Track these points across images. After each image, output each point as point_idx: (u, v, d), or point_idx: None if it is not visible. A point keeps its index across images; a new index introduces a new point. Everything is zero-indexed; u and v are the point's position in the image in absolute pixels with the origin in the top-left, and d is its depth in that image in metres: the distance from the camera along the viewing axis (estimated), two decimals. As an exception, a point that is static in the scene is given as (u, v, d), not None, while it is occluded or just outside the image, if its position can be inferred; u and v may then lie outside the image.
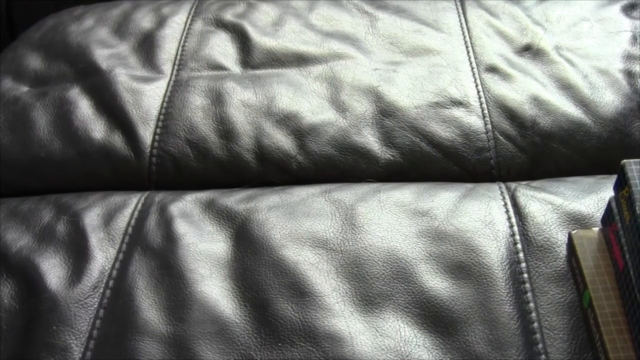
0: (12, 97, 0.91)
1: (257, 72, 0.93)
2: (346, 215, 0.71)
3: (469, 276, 0.64)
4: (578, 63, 0.90)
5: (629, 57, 0.91)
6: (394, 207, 0.72)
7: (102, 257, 0.69)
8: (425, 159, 0.82)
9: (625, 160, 0.58)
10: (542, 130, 0.83)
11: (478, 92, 0.87)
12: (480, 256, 0.66)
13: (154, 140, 0.84)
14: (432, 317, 0.62)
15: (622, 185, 0.58)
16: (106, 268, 0.68)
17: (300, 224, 0.70)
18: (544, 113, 0.84)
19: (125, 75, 0.92)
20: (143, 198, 0.77)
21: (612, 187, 0.72)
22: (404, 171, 0.82)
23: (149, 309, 0.64)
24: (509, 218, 0.70)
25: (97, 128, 0.86)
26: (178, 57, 0.96)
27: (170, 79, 0.93)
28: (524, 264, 0.66)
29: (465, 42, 0.96)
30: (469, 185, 0.76)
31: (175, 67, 0.95)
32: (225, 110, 0.86)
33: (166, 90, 0.91)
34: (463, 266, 0.65)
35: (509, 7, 1.02)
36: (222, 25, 1.01)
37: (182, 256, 0.68)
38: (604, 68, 0.89)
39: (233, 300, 0.64)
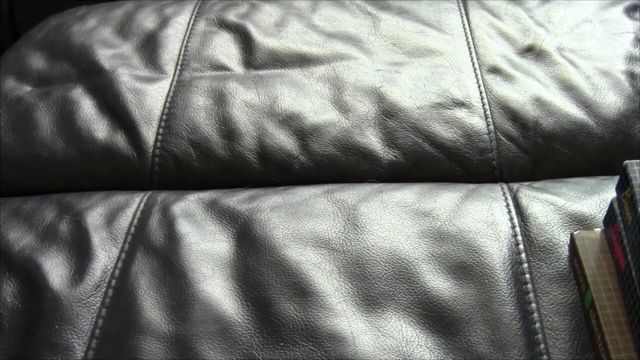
0: (15, 97, 0.91)
1: (260, 72, 0.93)
2: (348, 215, 0.71)
3: (471, 276, 0.64)
4: (580, 64, 0.90)
5: (632, 59, 0.91)
6: (397, 208, 0.72)
7: (105, 256, 0.69)
8: (427, 159, 0.82)
9: (627, 161, 0.58)
10: (544, 131, 0.83)
11: (480, 93, 0.87)
12: (483, 257, 0.66)
13: (156, 140, 0.85)
14: (434, 317, 0.62)
15: (624, 186, 0.58)
16: (109, 267, 0.68)
17: (302, 224, 0.70)
18: (546, 114, 0.84)
19: (128, 75, 0.92)
20: (145, 198, 0.77)
21: (614, 188, 0.72)
22: (406, 172, 0.82)
23: (151, 308, 0.64)
24: (511, 219, 0.70)
25: (99, 128, 0.86)
26: (181, 57, 0.97)
27: (173, 79, 0.93)
28: (526, 265, 0.66)
29: (468, 43, 0.96)
30: (471, 186, 0.76)
31: (178, 67, 0.95)
32: (227, 110, 0.87)
33: (169, 91, 0.91)
34: (465, 266, 0.65)
35: (512, 8, 1.02)
36: (224, 25, 1.02)
37: (185, 256, 0.68)
38: (606, 69, 0.89)
39: (235, 300, 0.64)
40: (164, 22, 1.03)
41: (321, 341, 0.60)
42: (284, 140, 0.83)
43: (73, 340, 0.62)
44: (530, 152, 0.82)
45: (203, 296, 0.64)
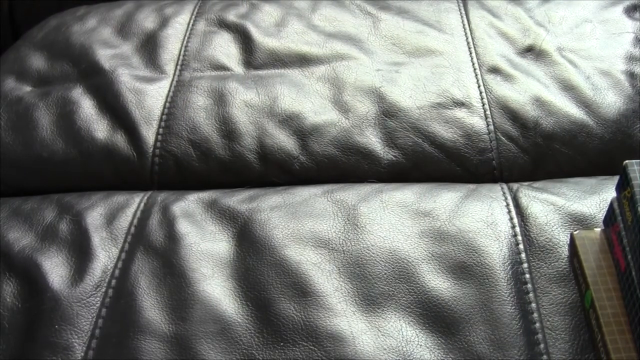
0: (15, 97, 0.92)
1: (260, 72, 0.93)
2: (348, 215, 0.71)
3: (471, 276, 0.64)
4: (580, 64, 0.90)
5: (631, 59, 0.91)
6: (396, 208, 0.72)
7: (105, 256, 0.69)
8: (427, 159, 0.82)
9: (627, 161, 0.58)
10: (544, 131, 0.83)
11: (480, 93, 0.87)
12: (482, 256, 0.66)
13: (156, 140, 0.85)
14: (434, 317, 0.62)
15: (624, 186, 0.59)
16: (108, 267, 0.68)
17: (302, 224, 0.70)
18: (546, 114, 0.84)
19: (128, 75, 0.92)
20: (145, 198, 0.77)
21: (614, 188, 0.72)
22: (406, 172, 0.82)
23: (151, 308, 0.64)
24: (511, 219, 0.70)
25: (99, 128, 0.86)
26: (181, 57, 0.97)
27: (172, 79, 0.93)
28: (525, 265, 0.66)
29: (468, 43, 0.96)
30: (471, 186, 0.76)
31: (178, 67, 0.95)
32: (227, 110, 0.87)
33: (169, 91, 0.91)
34: (465, 266, 0.65)
35: (512, 8, 1.02)
36: (224, 25, 1.02)
37: (185, 256, 0.68)
38: (606, 69, 0.89)
39: (235, 300, 0.64)
40: (164, 22, 1.03)
41: (321, 341, 0.60)
42: (284, 140, 0.83)
43: (73, 340, 0.62)
44: (530, 152, 0.82)
45: (203, 296, 0.64)
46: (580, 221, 0.69)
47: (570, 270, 0.65)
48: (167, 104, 0.88)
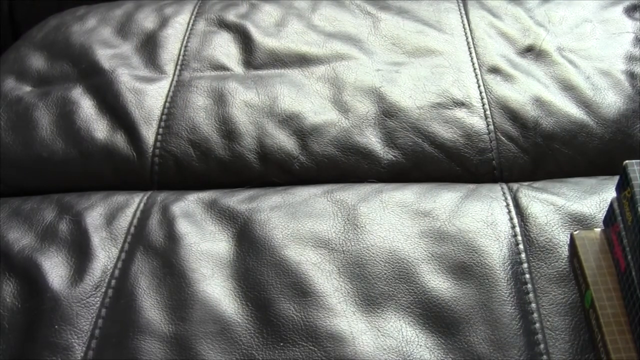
0: (14, 96, 0.91)
1: (260, 72, 0.93)
2: (348, 215, 0.71)
3: (471, 276, 0.64)
4: (580, 64, 0.90)
5: (631, 59, 0.91)
6: (396, 208, 0.72)
7: (105, 256, 0.69)
8: (427, 159, 0.82)
9: (627, 161, 0.58)
10: (544, 131, 0.83)
11: (480, 93, 0.87)
12: (482, 257, 0.66)
13: (156, 140, 0.85)
14: (434, 317, 0.62)
15: (624, 186, 0.59)
16: (108, 267, 0.68)
17: (302, 224, 0.70)
18: (546, 114, 0.84)
19: (127, 75, 0.92)
20: (145, 198, 0.77)
21: (614, 188, 0.72)
22: (406, 172, 0.82)
23: (151, 308, 0.64)
24: (511, 219, 0.70)
25: (99, 128, 0.86)
26: (180, 57, 0.97)
27: (172, 79, 0.93)
28: (525, 265, 0.66)
29: (468, 43, 0.96)
30: (471, 186, 0.76)
31: (178, 67, 0.95)
32: (227, 110, 0.87)
33: (169, 91, 0.91)
34: (465, 266, 0.65)
35: (512, 8, 1.02)
36: (224, 25, 1.02)
37: (184, 256, 0.68)
38: (606, 69, 0.89)
39: (235, 300, 0.64)
40: (163, 22, 1.03)
41: (321, 341, 0.60)
42: (284, 140, 0.83)
43: (73, 340, 0.62)
44: (530, 152, 0.82)
45: (203, 296, 0.64)
46: (580, 221, 0.69)
47: (570, 270, 0.65)
48: (167, 104, 0.88)
